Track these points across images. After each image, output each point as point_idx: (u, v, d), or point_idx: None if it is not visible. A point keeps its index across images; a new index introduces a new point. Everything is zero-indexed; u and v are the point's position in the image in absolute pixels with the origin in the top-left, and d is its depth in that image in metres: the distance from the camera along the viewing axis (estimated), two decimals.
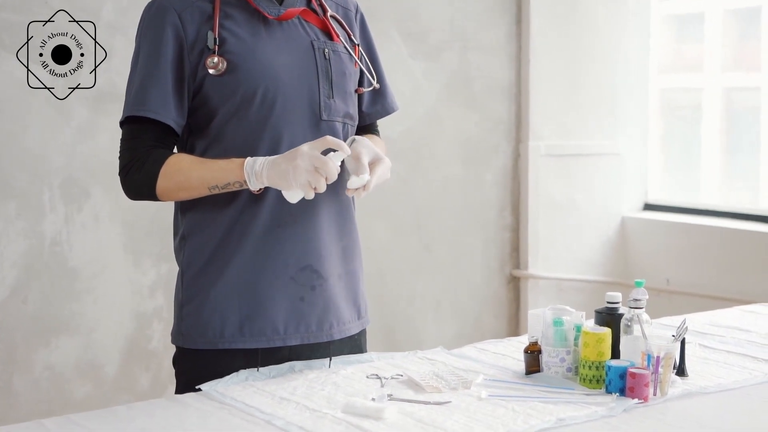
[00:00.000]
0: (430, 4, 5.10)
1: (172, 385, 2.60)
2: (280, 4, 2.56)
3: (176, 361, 2.60)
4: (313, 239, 2.54)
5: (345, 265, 2.62)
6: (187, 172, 2.44)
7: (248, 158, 2.41)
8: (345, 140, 2.57)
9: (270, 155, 2.45)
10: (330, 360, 2.59)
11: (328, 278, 2.57)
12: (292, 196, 2.39)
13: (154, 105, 2.45)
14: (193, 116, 2.51)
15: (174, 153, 2.49)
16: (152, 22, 2.49)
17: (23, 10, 4.05)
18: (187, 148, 2.54)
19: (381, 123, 2.87)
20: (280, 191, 2.44)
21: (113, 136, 4.21)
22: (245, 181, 2.40)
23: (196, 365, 2.52)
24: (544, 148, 5.37)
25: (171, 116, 2.46)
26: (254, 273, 2.49)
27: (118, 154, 2.50)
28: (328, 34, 2.62)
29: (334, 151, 2.41)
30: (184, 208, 2.56)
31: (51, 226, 4.18)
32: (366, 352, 2.72)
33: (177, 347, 2.59)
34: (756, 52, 5.36)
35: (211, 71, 2.45)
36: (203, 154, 2.50)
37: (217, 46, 2.46)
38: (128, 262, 4.36)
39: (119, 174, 2.50)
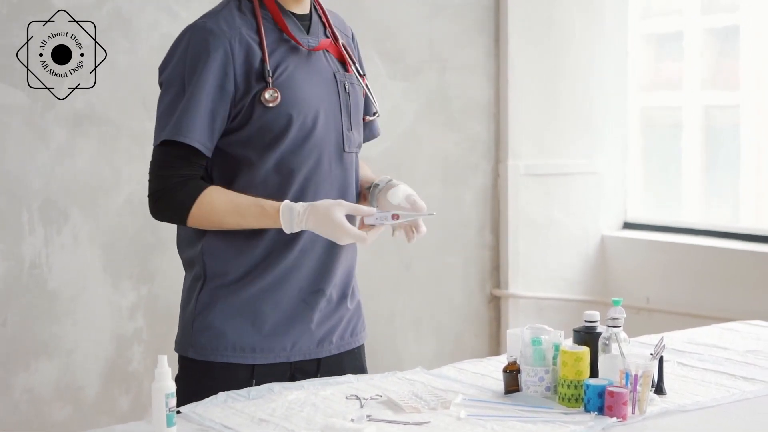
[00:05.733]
0: (408, 24, 5.11)
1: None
2: (308, 33, 2.57)
3: (182, 371, 2.62)
4: (327, 264, 2.62)
5: (348, 284, 2.71)
6: (221, 215, 2.48)
7: (283, 206, 2.45)
8: (354, 170, 2.66)
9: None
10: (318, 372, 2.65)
11: (334, 298, 2.66)
12: None
13: (199, 135, 2.46)
14: (229, 140, 2.52)
15: (206, 186, 2.50)
16: (203, 47, 2.48)
17: None
18: (216, 169, 2.55)
19: None
20: None
21: (92, 157, 4.23)
22: (282, 226, 2.46)
23: (203, 376, 2.56)
24: (523, 167, 5.38)
25: (210, 145, 2.49)
26: (273, 296, 2.53)
27: (149, 176, 2.51)
28: (344, 65, 2.64)
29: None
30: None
31: (30, 248, 4.17)
32: (365, 366, 2.79)
33: (182, 356, 2.61)
34: (734, 70, 5.39)
35: (266, 103, 2.47)
36: (233, 179, 2.53)
37: (270, 78, 2.48)
38: (108, 284, 4.34)
39: (148, 196, 2.52)
